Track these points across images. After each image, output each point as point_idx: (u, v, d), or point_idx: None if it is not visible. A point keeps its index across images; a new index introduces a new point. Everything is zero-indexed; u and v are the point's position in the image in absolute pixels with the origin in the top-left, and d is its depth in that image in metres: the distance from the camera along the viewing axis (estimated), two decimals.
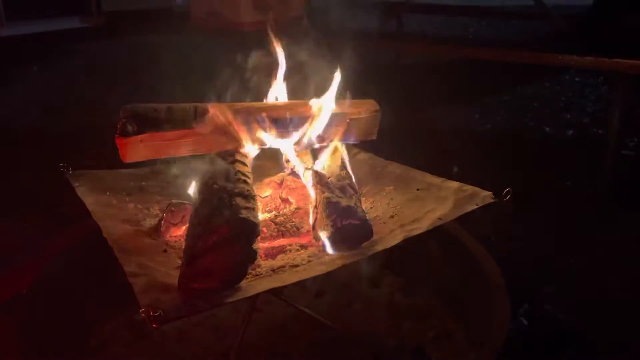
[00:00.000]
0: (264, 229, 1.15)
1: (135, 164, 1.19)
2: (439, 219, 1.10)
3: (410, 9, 4.26)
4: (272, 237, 1.16)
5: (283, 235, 1.16)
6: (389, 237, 1.06)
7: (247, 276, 0.97)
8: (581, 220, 1.98)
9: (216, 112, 1.17)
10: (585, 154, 2.55)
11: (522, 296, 1.50)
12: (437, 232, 1.12)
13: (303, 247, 1.13)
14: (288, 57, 1.27)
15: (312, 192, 1.17)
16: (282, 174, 1.35)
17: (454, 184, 1.24)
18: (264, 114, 1.21)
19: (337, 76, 1.23)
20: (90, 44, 4.85)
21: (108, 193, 1.29)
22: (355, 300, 1.36)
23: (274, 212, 1.25)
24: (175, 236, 1.21)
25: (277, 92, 1.29)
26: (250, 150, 1.25)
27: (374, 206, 1.31)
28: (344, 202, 1.07)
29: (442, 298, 1.35)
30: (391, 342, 1.22)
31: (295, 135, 1.23)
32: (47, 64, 4.28)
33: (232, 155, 1.20)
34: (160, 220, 1.22)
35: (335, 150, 1.29)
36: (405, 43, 2.99)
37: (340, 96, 1.25)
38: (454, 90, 3.48)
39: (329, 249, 1.04)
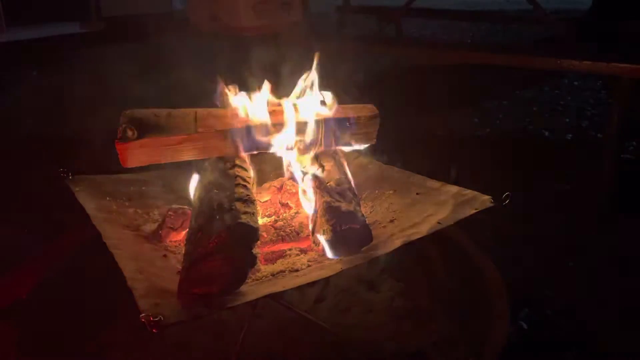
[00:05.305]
0: (264, 234, 1.15)
1: (135, 169, 1.19)
2: (439, 223, 1.11)
3: (409, 13, 4.27)
4: (272, 242, 1.16)
5: (283, 240, 1.16)
6: (388, 242, 1.07)
7: (247, 281, 0.97)
8: (581, 224, 1.98)
9: (217, 116, 1.17)
10: (585, 158, 2.55)
11: (522, 300, 1.50)
12: (436, 237, 1.12)
13: (303, 251, 1.14)
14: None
15: (311, 197, 1.17)
16: (281, 178, 1.35)
17: (454, 188, 1.24)
18: (265, 119, 1.21)
19: (336, 81, 1.23)
20: (90, 49, 4.86)
21: (108, 198, 1.29)
22: (355, 304, 1.35)
23: (273, 217, 1.25)
24: (175, 241, 1.21)
25: (279, 97, 1.30)
26: (250, 155, 1.25)
27: (373, 210, 1.31)
28: (344, 206, 1.07)
29: (442, 302, 1.35)
30: (391, 347, 1.22)
31: (295, 140, 1.23)
32: (46, 69, 4.28)
33: (232, 160, 1.20)
34: (160, 225, 1.22)
35: (335, 154, 1.29)
36: (404, 48, 2.99)
37: (339, 101, 1.26)
38: (453, 94, 3.49)
39: (329, 254, 1.04)
